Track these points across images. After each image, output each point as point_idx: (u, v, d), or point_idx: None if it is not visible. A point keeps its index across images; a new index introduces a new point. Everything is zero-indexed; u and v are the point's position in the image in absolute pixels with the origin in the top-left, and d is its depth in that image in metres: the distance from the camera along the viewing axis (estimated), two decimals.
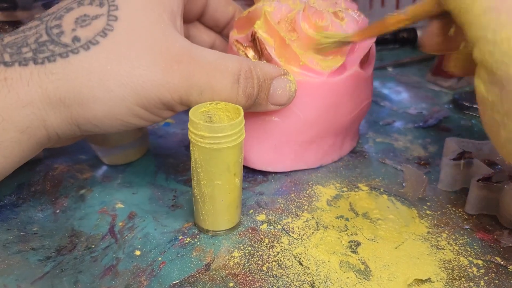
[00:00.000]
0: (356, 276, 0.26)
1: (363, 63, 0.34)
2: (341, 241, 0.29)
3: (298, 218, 0.31)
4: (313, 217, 0.31)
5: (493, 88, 0.23)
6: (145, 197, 0.33)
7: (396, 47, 0.62)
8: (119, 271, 0.26)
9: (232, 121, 0.26)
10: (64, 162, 0.36)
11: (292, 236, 0.29)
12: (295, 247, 0.28)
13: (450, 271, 0.27)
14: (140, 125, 0.28)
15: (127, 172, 0.36)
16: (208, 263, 0.27)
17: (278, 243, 0.29)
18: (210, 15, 0.36)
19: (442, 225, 0.30)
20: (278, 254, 0.28)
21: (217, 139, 0.25)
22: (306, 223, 0.30)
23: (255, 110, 0.31)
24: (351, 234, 0.30)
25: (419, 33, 0.61)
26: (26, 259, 0.27)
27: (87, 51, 0.25)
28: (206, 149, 0.26)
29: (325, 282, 0.26)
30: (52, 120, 0.26)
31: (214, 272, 0.27)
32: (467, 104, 0.45)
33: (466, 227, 0.30)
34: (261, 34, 0.32)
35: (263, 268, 0.27)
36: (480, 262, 0.28)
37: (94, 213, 0.31)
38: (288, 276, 0.26)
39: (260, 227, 0.30)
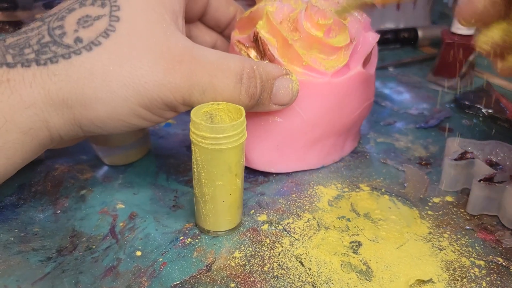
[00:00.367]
0: (358, 277, 0.26)
1: (366, 63, 0.34)
2: (342, 242, 0.29)
3: (299, 218, 0.31)
4: (314, 218, 0.31)
5: None
6: (146, 197, 0.33)
7: (397, 47, 0.62)
8: (120, 271, 0.26)
9: (234, 121, 0.26)
10: (65, 163, 0.36)
11: (293, 237, 0.29)
12: (296, 248, 0.28)
13: (452, 271, 0.27)
14: (143, 125, 0.28)
15: (128, 172, 0.36)
16: (209, 263, 0.27)
17: (279, 244, 0.29)
18: (211, 15, 0.36)
19: (444, 226, 0.30)
20: (279, 254, 0.28)
21: (218, 139, 0.25)
22: (308, 223, 0.30)
23: (257, 110, 0.31)
24: (353, 235, 0.29)
25: (419, 33, 0.61)
26: (27, 259, 0.27)
27: (89, 52, 0.25)
28: (207, 150, 0.26)
29: (327, 283, 0.26)
30: (55, 121, 0.26)
31: (215, 272, 0.26)
32: (469, 104, 0.45)
33: (468, 227, 0.30)
34: (264, 34, 0.32)
35: (264, 268, 0.27)
36: (482, 262, 0.27)
37: (95, 213, 0.31)
38: (289, 277, 0.26)
39: (261, 227, 0.30)
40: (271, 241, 0.29)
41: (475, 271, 0.27)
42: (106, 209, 0.31)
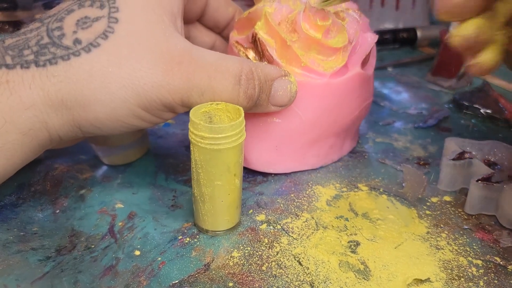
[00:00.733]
0: (356, 276, 0.26)
1: (364, 63, 0.34)
2: (340, 241, 0.29)
3: (297, 218, 0.31)
4: (312, 217, 0.31)
5: None
6: (145, 197, 0.33)
7: (396, 47, 0.62)
8: (119, 271, 0.27)
9: (232, 121, 0.26)
10: (64, 162, 0.36)
11: (292, 236, 0.29)
12: (294, 247, 0.28)
13: (449, 271, 0.27)
14: (142, 126, 0.28)
15: (127, 172, 0.36)
16: (208, 263, 0.27)
17: (278, 243, 0.29)
18: (210, 16, 0.36)
19: (442, 225, 0.30)
20: (277, 254, 0.28)
21: (217, 139, 0.25)
22: (306, 223, 0.30)
23: (255, 111, 0.31)
24: (351, 234, 0.30)
25: (418, 33, 0.61)
26: (26, 259, 0.27)
27: (88, 54, 0.25)
28: (206, 150, 0.26)
29: (325, 282, 0.26)
30: (54, 122, 0.26)
31: (213, 272, 0.27)
32: (467, 104, 0.46)
33: (466, 227, 0.30)
34: (262, 35, 0.32)
35: (263, 268, 0.27)
36: (479, 262, 0.28)
37: (94, 213, 0.31)
38: (287, 276, 0.26)
39: (260, 227, 0.30)
40: (270, 241, 0.29)
41: (472, 271, 0.27)
42: (105, 208, 0.32)
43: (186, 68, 0.27)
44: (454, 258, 0.28)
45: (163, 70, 0.26)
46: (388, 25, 0.64)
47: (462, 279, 0.26)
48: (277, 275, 0.26)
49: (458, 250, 0.28)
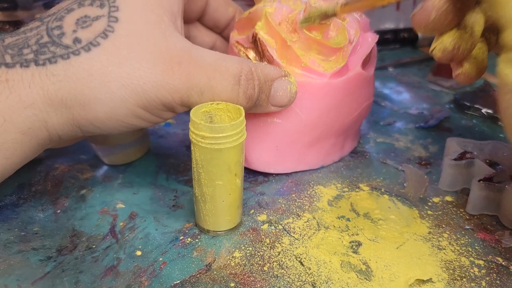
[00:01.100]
0: (357, 277, 0.26)
1: (365, 63, 0.34)
2: (342, 242, 0.29)
3: (299, 218, 0.31)
4: (314, 217, 0.31)
5: None
6: (146, 197, 0.33)
7: (396, 47, 0.62)
8: (120, 271, 0.26)
9: (233, 121, 0.26)
10: (65, 162, 0.36)
11: (293, 236, 0.29)
12: (296, 247, 0.28)
13: (451, 271, 0.27)
14: (141, 126, 0.28)
15: (128, 172, 0.36)
16: (209, 263, 0.27)
17: (279, 243, 0.29)
18: (210, 16, 0.36)
19: (443, 225, 0.30)
20: (279, 254, 0.28)
21: (218, 139, 0.25)
22: (307, 223, 0.30)
23: (255, 112, 0.31)
24: (352, 234, 0.30)
25: (419, 33, 0.61)
26: (27, 259, 0.27)
27: (88, 53, 0.25)
28: (207, 150, 0.26)
29: (326, 283, 0.26)
30: (54, 122, 0.26)
31: (215, 272, 0.27)
32: (468, 104, 0.45)
33: (468, 227, 0.30)
34: (262, 35, 0.32)
35: (264, 268, 0.27)
36: (481, 262, 0.28)
37: (95, 213, 0.31)
38: (289, 277, 0.26)
39: (261, 227, 0.30)
40: (271, 241, 0.29)
41: (474, 271, 0.27)
42: (106, 208, 0.31)
43: (186, 68, 0.27)
44: (456, 258, 0.28)
45: (163, 70, 0.26)
46: (389, 25, 0.64)
47: (464, 279, 0.26)
48: (278, 275, 0.26)
49: (460, 250, 0.28)
